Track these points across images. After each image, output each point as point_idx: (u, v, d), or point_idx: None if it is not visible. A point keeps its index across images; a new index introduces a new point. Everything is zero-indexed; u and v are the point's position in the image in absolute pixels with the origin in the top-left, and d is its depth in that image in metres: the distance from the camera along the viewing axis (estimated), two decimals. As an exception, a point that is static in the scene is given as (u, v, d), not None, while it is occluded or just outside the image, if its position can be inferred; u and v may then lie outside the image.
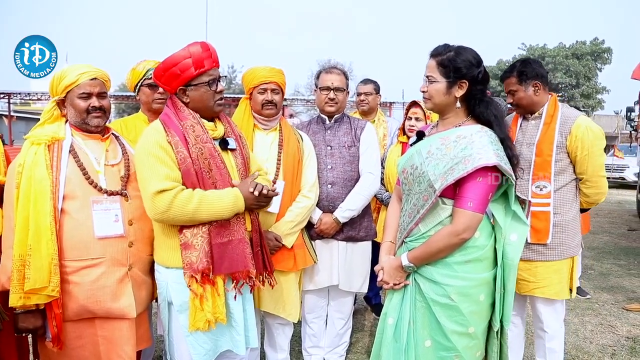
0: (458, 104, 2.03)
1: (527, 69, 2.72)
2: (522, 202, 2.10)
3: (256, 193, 2.08)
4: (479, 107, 2.01)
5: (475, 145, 1.91)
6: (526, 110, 2.78)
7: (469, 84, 1.99)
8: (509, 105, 3.13)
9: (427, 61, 2.05)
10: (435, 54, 2.03)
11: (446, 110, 2.06)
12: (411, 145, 2.18)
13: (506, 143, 2.00)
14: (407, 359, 2.02)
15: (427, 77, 2.03)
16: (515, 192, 2.04)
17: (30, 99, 26.52)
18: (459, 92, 2.00)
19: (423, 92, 2.07)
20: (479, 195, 1.91)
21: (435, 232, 1.98)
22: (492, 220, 2.09)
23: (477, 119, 2.03)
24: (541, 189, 2.67)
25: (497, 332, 2.07)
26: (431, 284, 1.99)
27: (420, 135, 2.17)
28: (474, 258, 1.98)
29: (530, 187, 2.68)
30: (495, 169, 1.91)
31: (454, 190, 1.95)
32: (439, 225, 1.99)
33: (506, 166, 1.92)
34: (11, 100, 24.51)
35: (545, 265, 2.69)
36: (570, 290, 2.78)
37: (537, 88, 2.72)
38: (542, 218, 2.67)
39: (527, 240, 2.64)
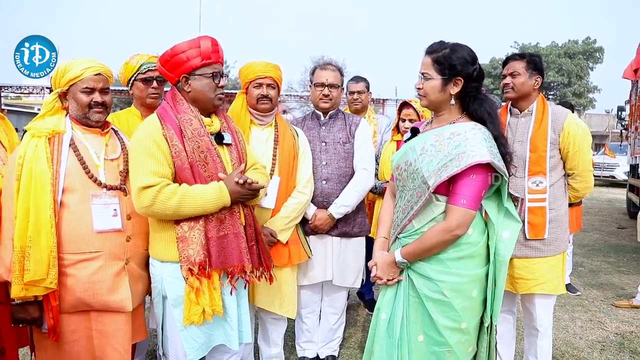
0: (452, 101, 2.03)
1: (537, 60, 2.76)
2: (514, 199, 2.11)
3: (241, 181, 2.06)
4: (473, 104, 2.02)
5: (469, 142, 1.92)
6: (517, 98, 2.78)
7: (464, 81, 1.98)
8: (502, 103, 3.15)
9: (422, 58, 2.04)
10: (430, 51, 2.02)
11: (441, 107, 2.06)
12: (405, 141, 2.19)
13: (500, 140, 2.00)
14: (400, 354, 2.03)
15: (423, 74, 2.02)
16: (508, 189, 2.06)
17: (22, 92, 26.24)
18: (454, 90, 2.00)
19: (418, 89, 2.06)
20: (473, 192, 1.92)
21: (428, 229, 1.99)
22: (485, 217, 2.11)
23: (471, 116, 2.03)
24: (537, 185, 2.70)
25: (487, 328, 2.09)
26: (424, 280, 2.00)
27: (415, 131, 2.17)
28: (467, 254, 1.99)
29: (526, 183, 2.70)
30: (488, 166, 1.92)
31: (447, 187, 1.95)
32: (432, 222, 1.99)
33: (499, 163, 1.93)
34: (3, 94, 24.22)
35: (542, 262, 2.72)
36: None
37: (537, 82, 2.75)
38: (539, 213, 2.70)
39: (524, 237, 2.69)
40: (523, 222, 2.67)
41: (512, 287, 2.76)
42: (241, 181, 2.07)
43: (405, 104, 3.57)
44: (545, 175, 2.69)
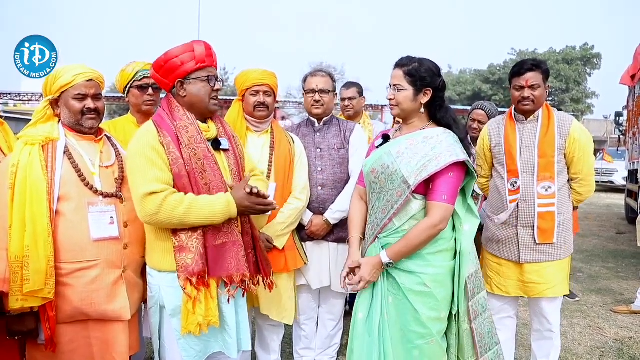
0: (422, 110, 2.21)
1: (546, 68, 2.77)
2: (475, 197, 2.25)
3: (247, 190, 2.05)
4: (439, 112, 2.23)
5: (444, 144, 2.12)
6: (533, 109, 2.78)
7: (433, 91, 2.18)
8: (498, 110, 3.16)
9: (393, 71, 2.23)
10: (401, 64, 2.21)
11: (411, 116, 2.25)
12: (377, 147, 2.32)
13: (464, 142, 2.22)
14: (383, 352, 2.13)
15: (395, 85, 2.20)
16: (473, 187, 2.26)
17: (20, 100, 26.24)
18: (424, 99, 2.20)
19: (390, 99, 2.23)
20: (451, 189, 2.11)
21: (410, 227, 2.14)
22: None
23: (438, 122, 2.23)
24: (547, 190, 2.73)
25: (455, 316, 2.20)
26: (407, 275, 2.15)
27: (386, 138, 2.32)
28: (443, 249, 2.18)
29: (535, 188, 2.73)
30: (462, 165, 2.13)
31: (425, 186, 2.13)
32: (412, 220, 2.16)
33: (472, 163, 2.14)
34: (1, 101, 24.24)
35: (553, 265, 2.77)
36: None
37: (547, 91, 2.78)
38: (549, 218, 2.74)
39: (534, 241, 2.74)
40: (532, 227, 2.75)
41: (523, 291, 2.82)
42: (255, 191, 2.06)
43: None
44: (553, 180, 2.73)
